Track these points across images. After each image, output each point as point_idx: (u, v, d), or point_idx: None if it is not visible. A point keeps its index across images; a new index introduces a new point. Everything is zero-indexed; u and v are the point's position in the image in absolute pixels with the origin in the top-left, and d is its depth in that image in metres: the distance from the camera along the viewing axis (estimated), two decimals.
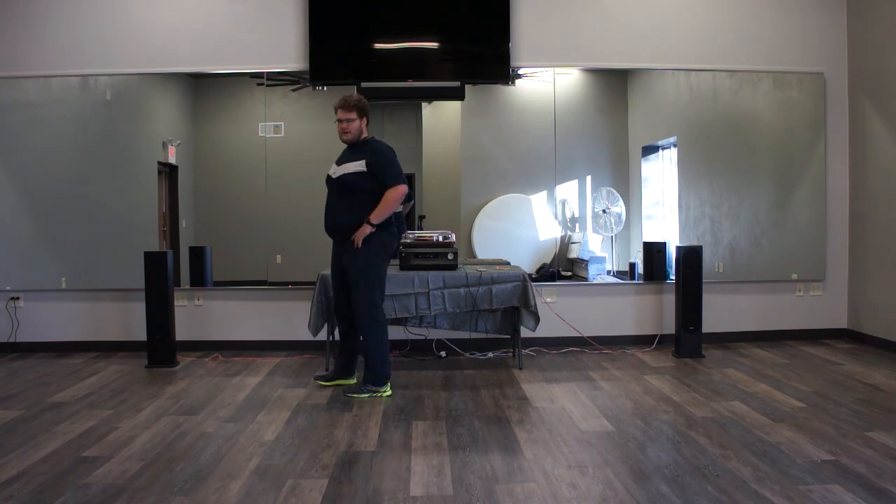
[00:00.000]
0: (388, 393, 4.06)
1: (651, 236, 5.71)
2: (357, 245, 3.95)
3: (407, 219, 5.69)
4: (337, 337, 4.71)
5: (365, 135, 4.10)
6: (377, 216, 3.93)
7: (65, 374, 4.61)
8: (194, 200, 5.66)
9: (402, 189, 3.96)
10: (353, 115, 4.01)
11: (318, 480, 2.79)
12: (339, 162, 4.10)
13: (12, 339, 5.34)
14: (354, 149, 4.07)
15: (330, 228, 4.10)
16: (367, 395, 4.00)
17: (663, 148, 5.75)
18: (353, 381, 4.26)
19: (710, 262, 5.47)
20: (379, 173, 3.96)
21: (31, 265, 5.39)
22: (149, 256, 4.78)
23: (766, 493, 2.62)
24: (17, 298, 5.37)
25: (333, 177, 4.08)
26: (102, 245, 5.45)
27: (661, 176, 5.76)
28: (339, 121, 4.04)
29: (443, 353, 5.13)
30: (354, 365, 4.31)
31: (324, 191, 4.14)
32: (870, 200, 5.37)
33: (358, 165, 3.97)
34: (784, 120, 5.59)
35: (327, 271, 4.60)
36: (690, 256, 4.99)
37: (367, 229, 3.93)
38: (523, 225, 5.66)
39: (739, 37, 5.49)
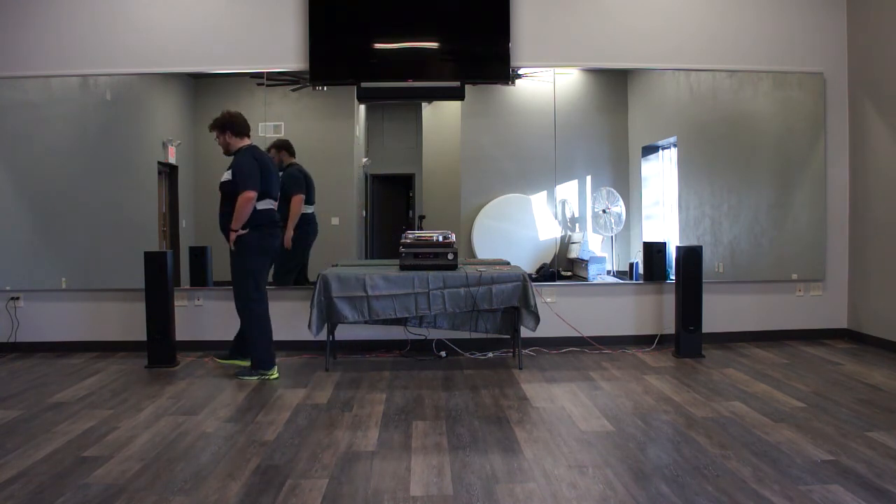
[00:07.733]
0: (276, 376, 4.45)
1: (651, 236, 5.71)
2: (231, 248, 4.37)
3: (407, 219, 5.75)
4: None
5: (239, 145, 4.46)
6: (235, 222, 4.30)
7: (65, 374, 4.61)
8: (194, 200, 5.66)
9: (248, 194, 4.26)
10: (216, 133, 4.48)
11: (318, 480, 2.79)
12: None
13: (12, 339, 5.34)
14: (232, 159, 4.48)
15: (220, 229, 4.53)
16: (256, 378, 4.41)
17: (663, 148, 5.75)
18: (249, 363, 4.52)
19: (710, 262, 5.47)
20: (234, 180, 4.31)
21: (31, 265, 5.39)
22: (149, 256, 4.78)
23: (766, 493, 2.62)
24: (17, 298, 5.37)
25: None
26: (102, 245, 5.46)
27: (660, 176, 5.76)
28: None
29: (443, 353, 5.13)
30: (248, 348, 4.57)
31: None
32: (870, 201, 5.37)
33: (228, 174, 4.38)
34: (784, 120, 5.59)
35: (327, 271, 4.66)
36: (690, 256, 4.99)
37: (233, 235, 4.33)
38: (523, 225, 5.65)
39: (739, 37, 5.49)
